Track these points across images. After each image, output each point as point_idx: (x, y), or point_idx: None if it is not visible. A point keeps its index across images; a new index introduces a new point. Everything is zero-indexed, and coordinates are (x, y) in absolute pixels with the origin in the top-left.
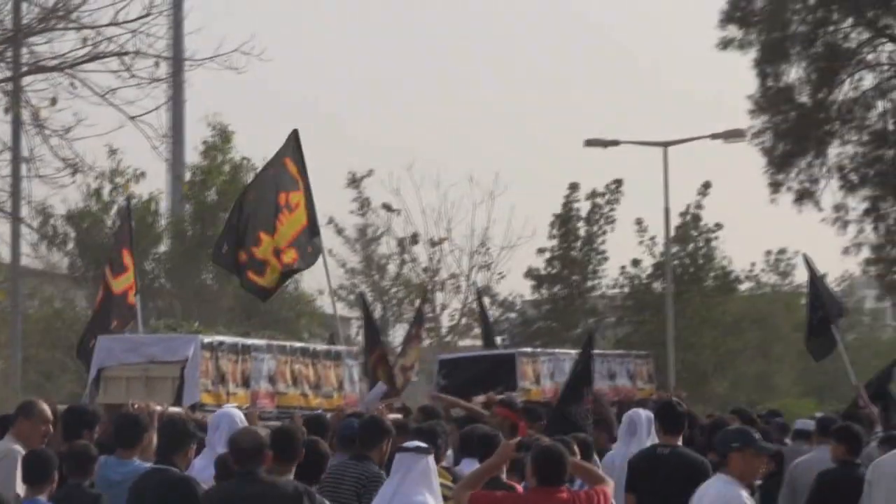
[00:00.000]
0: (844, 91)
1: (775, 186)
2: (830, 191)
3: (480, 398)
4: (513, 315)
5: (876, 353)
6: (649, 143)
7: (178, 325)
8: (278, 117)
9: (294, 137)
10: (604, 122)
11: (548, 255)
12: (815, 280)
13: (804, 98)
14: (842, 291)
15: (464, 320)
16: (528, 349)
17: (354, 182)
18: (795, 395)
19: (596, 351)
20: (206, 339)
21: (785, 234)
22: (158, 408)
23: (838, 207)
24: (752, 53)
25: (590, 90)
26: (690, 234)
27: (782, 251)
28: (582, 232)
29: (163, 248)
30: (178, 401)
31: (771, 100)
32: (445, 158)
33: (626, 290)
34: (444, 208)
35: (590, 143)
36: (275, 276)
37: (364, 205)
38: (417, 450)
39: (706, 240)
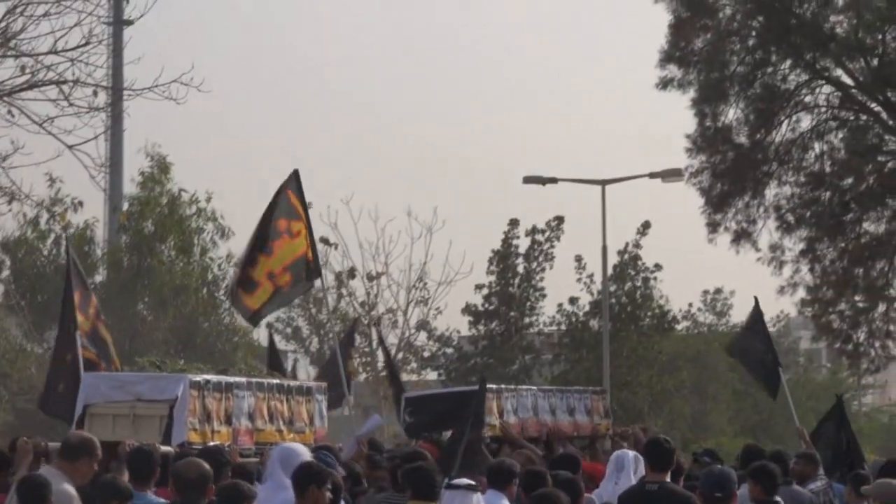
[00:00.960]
0: (782, 132)
1: (713, 226)
2: (767, 231)
3: (449, 434)
4: (450, 350)
5: (810, 395)
6: (587, 181)
7: (162, 363)
8: (218, 149)
9: (295, 176)
10: (544, 158)
11: (486, 291)
12: (762, 322)
13: (742, 138)
14: (777, 332)
15: (401, 354)
16: (493, 385)
17: None
18: (730, 434)
19: (554, 387)
20: (194, 378)
21: (722, 273)
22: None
23: (775, 248)
24: (691, 93)
25: (529, 126)
26: (629, 273)
27: (719, 291)
28: (520, 268)
29: (98, 277)
30: (166, 439)
31: (709, 140)
32: (383, 192)
33: (564, 327)
34: (381, 243)
35: (528, 179)
36: (264, 298)
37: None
38: (468, 487)
39: (644, 279)
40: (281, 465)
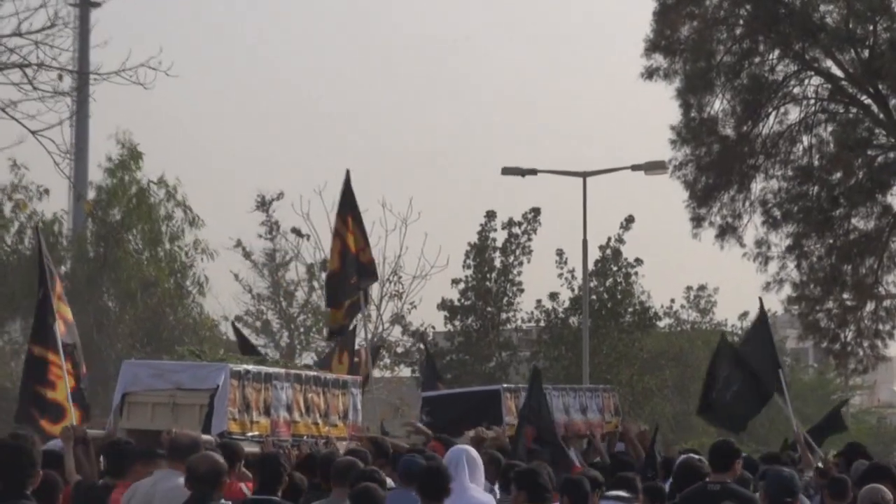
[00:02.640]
0: (769, 125)
1: (697, 221)
2: (753, 226)
3: (470, 433)
4: (424, 346)
5: (797, 396)
6: (568, 173)
7: (202, 352)
8: (188, 138)
9: (346, 180)
10: (523, 149)
11: (462, 285)
12: (766, 323)
13: (728, 130)
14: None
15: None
16: (510, 385)
17: (263, 205)
18: (713, 435)
19: (567, 385)
20: (235, 368)
21: (706, 270)
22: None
23: (760, 243)
24: (676, 83)
25: (509, 116)
26: (610, 268)
27: (702, 287)
28: (497, 262)
29: (63, 269)
30: (206, 429)
31: (694, 132)
32: (357, 182)
33: (542, 323)
34: None
35: (507, 171)
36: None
37: (273, 229)
38: (619, 499)
39: (626, 275)
40: (468, 467)
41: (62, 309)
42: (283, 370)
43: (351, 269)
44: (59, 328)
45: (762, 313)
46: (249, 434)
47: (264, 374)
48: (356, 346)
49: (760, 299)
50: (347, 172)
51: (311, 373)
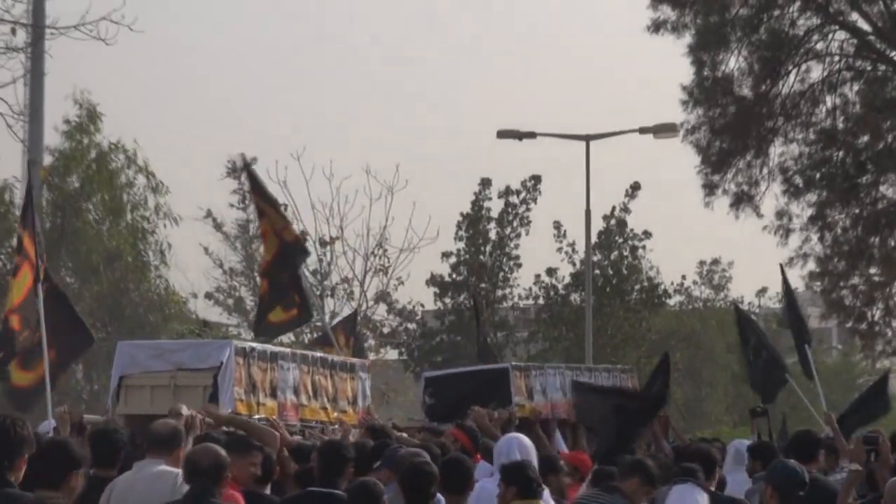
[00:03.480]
0: (790, 84)
1: (710, 189)
2: (772, 195)
3: (478, 410)
4: (412, 326)
5: (820, 380)
6: (570, 137)
7: (202, 331)
8: (152, 98)
9: (247, 171)
10: (521, 111)
11: (453, 259)
12: (791, 294)
13: (745, 90)
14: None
15: (357, 330)
16: (520, 363)
17: (235, 172)
18: (728, 423)
19: (582, 365)
20: (240, 345)
21: (720, 242)
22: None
23: (780, 214)
24: (687, 39)
25: (505, 75)
26: (615, 240)
27: (716, 262)
28: (493, 234)
29: (16, 242)
30: None
31: (707, 92)
32: (339, 147)
33: (541, 301)
34: (336, 204)
35: (503, 134)
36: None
37: (246, 197)
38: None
39: (632, 248)
40: (507, 457)
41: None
42: (288, 350)
43: (283, 272)
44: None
45: (785, 283)
46: (256, 417)
47: (270, 353)
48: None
49: (781, 266)
50: (243, 156)
51: (318, 354)
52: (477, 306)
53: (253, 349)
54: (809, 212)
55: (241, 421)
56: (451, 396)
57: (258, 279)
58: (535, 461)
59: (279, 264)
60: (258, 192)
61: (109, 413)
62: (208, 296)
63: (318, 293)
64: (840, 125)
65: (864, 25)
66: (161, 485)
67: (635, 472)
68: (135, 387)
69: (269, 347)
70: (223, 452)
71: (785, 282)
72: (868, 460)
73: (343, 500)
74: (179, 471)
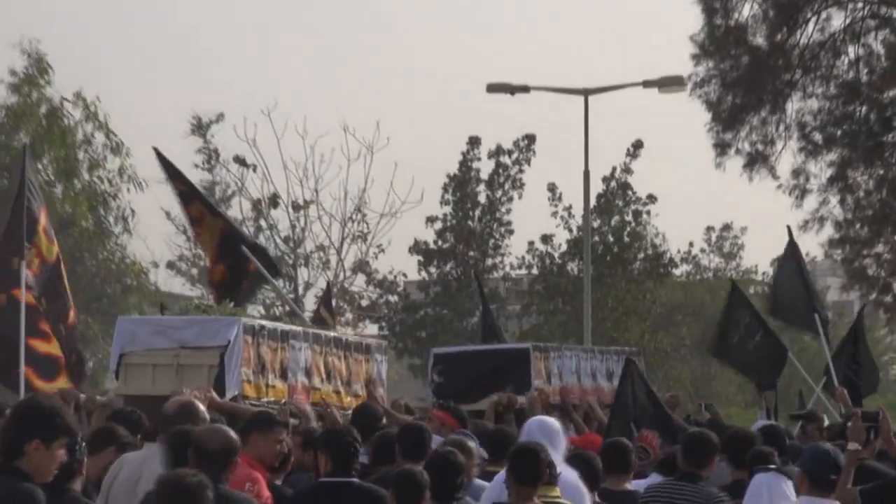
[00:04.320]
0: (808, 33)
1: (721, 148)
2: (789, 153)
3: (495, 398)
4: (393, 298)
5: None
6: (566, 91)
7: (209, 307)
8: (108, 49)
9: (160, 160)
10: (512, 63)
11: (439, 225)
12: (800, 258)
13: (759, 40)
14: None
15: (333, 303)
16: (540, 343)
17: (200, 129)
18: (740, 404)
19: (595, 347)
20: (248, 322)
21: (731, 207)
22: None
23: (797, 173)
24: None
25: (496, 24)
26: (616, 205)
27: (727, 227)
28: (482, 198)
29: None
30: (216, 392)
31: (718, 42)
32: (314, 102)
33: (535, 271)
34: (310, 164)
35: (493, 88)
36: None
37: (212, 157)
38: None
39: (635, 213)
40: (545, 438)
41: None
42: (300, 328)
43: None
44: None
45: (791, 245)
46: (265, 400)
47: (280, 332)
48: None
49: (788, 227)
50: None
51: (332, 334)
52: (479, 279)
53: (262, 327)
54: (829, 172)
55: (241, 409)
56: (462, 376)
57: (210, 269)
58: (559, 445)
59: (225, 248)
60: (178, 178)
61: (111, 395)
62: (170, 265)
63: (290, 262)
64: (863, 78)
65: None
66: None
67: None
68: (136, 366)
69: (280, 326)
70: (234, 435)
71: (791, 243)
72: (868, 438)
73: (360, 489)
74: None
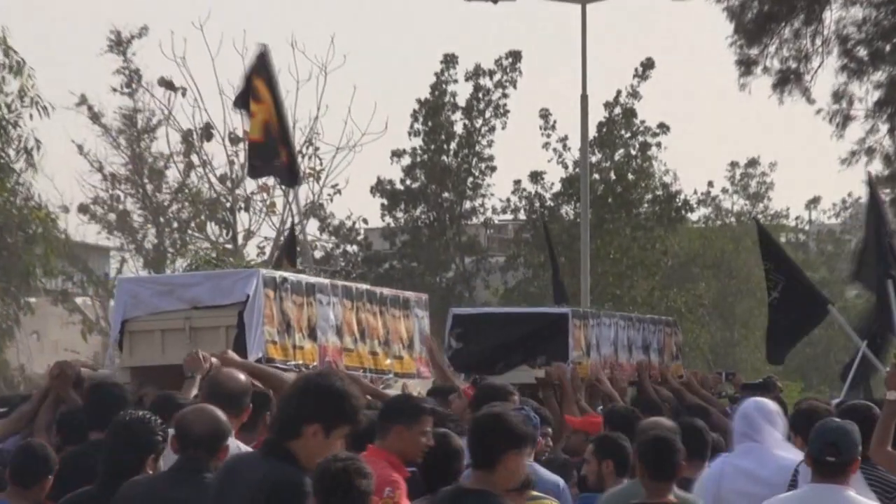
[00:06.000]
0: None
1: (747, 66)
2: (828, 72)
3: (536, 372)
4: (352, 248)
5: None
6: None
7: (220, 261)
8: None
9: (261, 55)
10: None
11: (407, 160)
12: (880, 206)
13: None
14: (842, 224)
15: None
16: (576, 308)
17: (119, 45)
18: (766, 372)
19: (633, 315)
20: (268, 274)
21: (759, 138)
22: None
23: (838, 95)
24: None
25: None
26: (620, 136)
27: (753, 162)
28: (459, 128)
29: None
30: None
31: None
32: (254, 13)
33: (522, 216)
34: None
35: None
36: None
37: (133, 79)
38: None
39: (643, 145)
40: (765, 420)
41: None
42: (328, 281)
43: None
44: None
45: (873, 192)
46: (292, 363)
47: (306, 285)
48: None
49: (869, 173)
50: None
51: (365, 287)
52: (547, 230)
53: (285, 280)
54: (876, 95)
55: (264, 370)
56: (486, 342)
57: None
58: (780, 427)
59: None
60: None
61: (110, 365)
62: (83, 209)
63: (227, 205)
64: None
65: None
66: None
67: (606, 455)
68: (141, 332)
69: (305, 278)
70: (223, 417)
71: (872, 195)
72: None
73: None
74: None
